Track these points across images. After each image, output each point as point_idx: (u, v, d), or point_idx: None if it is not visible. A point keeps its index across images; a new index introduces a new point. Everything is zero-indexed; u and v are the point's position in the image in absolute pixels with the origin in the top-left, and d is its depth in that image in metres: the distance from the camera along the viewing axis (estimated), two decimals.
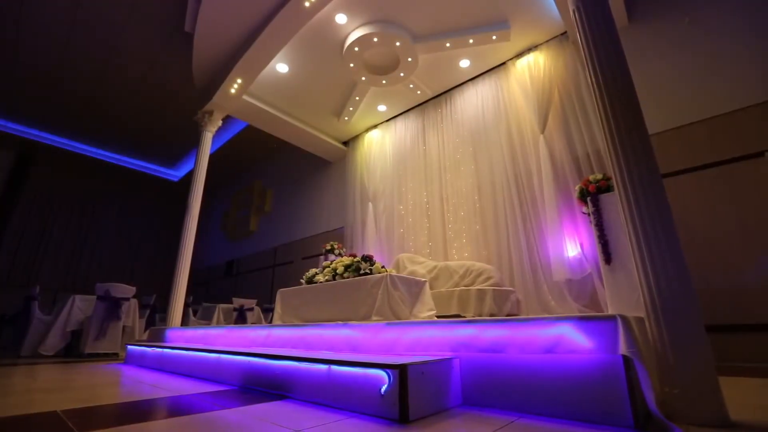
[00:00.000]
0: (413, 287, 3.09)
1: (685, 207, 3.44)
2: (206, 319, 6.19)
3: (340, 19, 4.40)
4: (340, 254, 5.50)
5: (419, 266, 4.66)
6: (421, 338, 1.81)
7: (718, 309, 3.08)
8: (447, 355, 1.69)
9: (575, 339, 1.38)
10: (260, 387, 2.02)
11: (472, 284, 4.01)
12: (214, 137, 8.49)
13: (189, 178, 5.28)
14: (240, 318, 5.99)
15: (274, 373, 1.94)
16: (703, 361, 1.34)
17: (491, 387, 1.57)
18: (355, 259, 3.33)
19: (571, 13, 2.12)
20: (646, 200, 1.57)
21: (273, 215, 8.68)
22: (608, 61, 1.86)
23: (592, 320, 1.37)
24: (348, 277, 3.23)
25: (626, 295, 2.43)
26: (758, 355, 2.84)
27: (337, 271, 3.36)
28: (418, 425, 1.32)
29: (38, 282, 8.08)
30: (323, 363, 1.67)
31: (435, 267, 4.53)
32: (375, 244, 5.90)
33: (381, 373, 1.43)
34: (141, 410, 1.64)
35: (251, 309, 6.18)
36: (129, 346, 3.71)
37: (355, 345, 2.10)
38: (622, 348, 1.24)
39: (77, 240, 9.58)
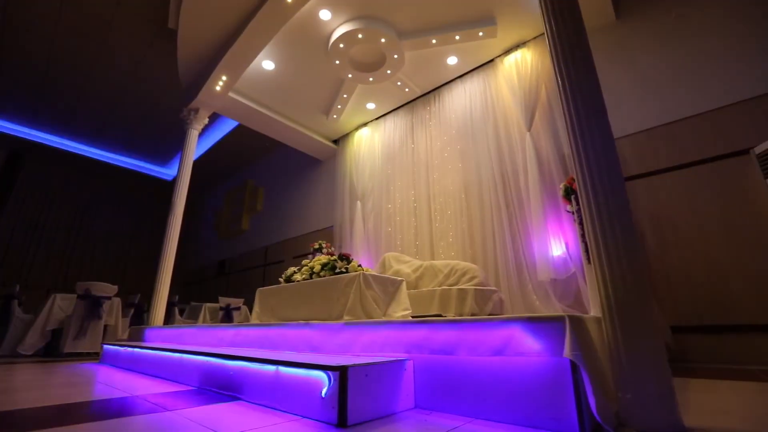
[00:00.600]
0: (389, 286, 3.02)
1: (671, 205, 3.38)
2: (192, 319, 6.13)
3: (324, 15, 4.34)
4: (329, 253, 5.44)
5: (405, 265, 4.59)
6: (376, 339, 1.74)
7: (703, 309, 3.02)
8: (401, 356, 1.62)
9: (524, 341, 1.32)
10: (216, 388, 1.97)
11: (456, 284, 3.93)
12: (207, 136, 8.48)
13: None
14: (226, 317, 5.93)
15: (228, 374, 1.88)
16: (655, 364, 1.27)
17: (443, 390, 1.50)
18: (332, 258, 3.27)
19: (540, 6, 2.05)
20: (606, 200, 1.50)
21: (264, 214, 8.63)
22: (573, 58, 1.78)
23: (540, 321, 1.31)
24: (324, 276, 3.17)
25: None
26: (743, 356, 2.77)
27: (314, 270, 3.30)
28: (355, 430, 1.26)
29: (29, 281, 8.09)
30: (271, 364, 1.61)
31: (420, 266, 4.45)
32: (363, 242, 5.84)
33: (323, 375, 1.37)
34: (71, 413, 1.56)
35: (238, 308, 6.12)
36: (105, 346, 3.67)
37: (316, 345, 2.04)
38: (567, 351, 1.17)
39: (69, 238, 9.54)
